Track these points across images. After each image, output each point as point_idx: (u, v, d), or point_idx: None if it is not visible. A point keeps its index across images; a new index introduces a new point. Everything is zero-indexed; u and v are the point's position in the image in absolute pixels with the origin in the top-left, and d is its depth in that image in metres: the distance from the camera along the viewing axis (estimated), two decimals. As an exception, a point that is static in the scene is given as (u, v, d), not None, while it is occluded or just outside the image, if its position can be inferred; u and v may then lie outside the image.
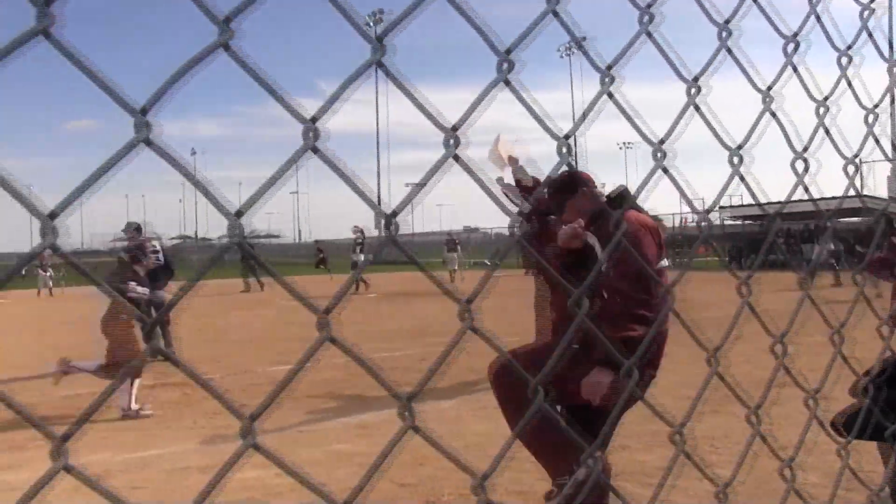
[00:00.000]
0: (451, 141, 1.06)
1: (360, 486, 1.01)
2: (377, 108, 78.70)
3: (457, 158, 1.06)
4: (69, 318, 18.93)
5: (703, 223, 1.67)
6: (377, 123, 78.00)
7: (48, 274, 30.38)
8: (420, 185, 1.03)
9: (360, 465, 5.50)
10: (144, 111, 0.86)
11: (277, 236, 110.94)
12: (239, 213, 0.91)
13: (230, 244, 0.93)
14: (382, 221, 0.96)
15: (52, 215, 0.85)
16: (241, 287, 26.77)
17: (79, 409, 7.70)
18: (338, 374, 8.84)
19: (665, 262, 3.73)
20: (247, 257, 28.59)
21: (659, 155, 1.48)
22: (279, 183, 0.97)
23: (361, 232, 23.78)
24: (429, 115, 1.05)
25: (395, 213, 0.97)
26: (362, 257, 23.12)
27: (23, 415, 0.89)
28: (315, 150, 0.94)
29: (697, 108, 1.55)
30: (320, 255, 32.93)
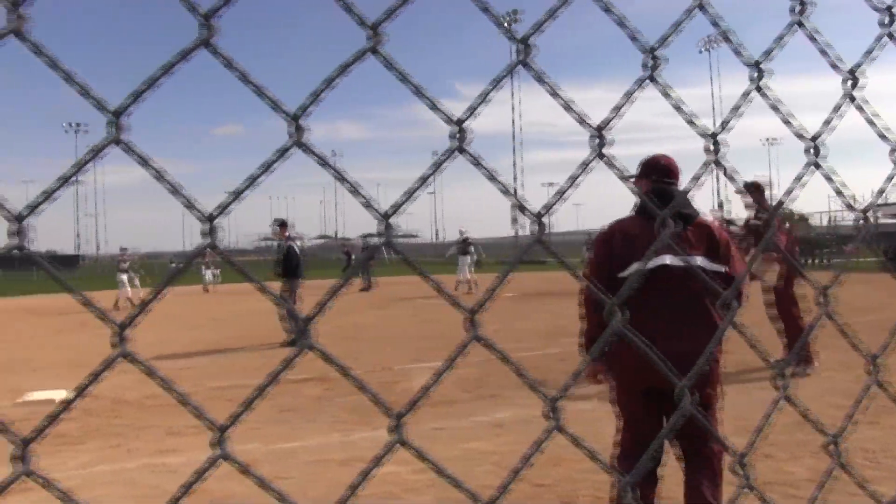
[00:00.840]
0: (598, 140, 1.05)
1: (503, 486, 1.01)
2: (514, 108, 78.68)
3: (602, 157, 1.05)
4: (218, 314, 20.12)
5: (861, 222, 1.57)
6: (514, 123, 78.05)
7: (210, 271, 32.27)
8: (567, 185, 1.02)
9: (495, 464, 5.51)
10: (117, 113, 0.88)
11: (416, 236, 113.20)
12: (387, 215, 0.94)
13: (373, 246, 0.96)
14: (529, 221, 0.96)
15: (211, 217, 0.91)
16: (361, 285, 27.35)
17: (229, 401, 8.18)
18: (472, 372, 8.90)
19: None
20: (386, 255, 29.31)
21: (812, 151, 1.41)
22: (424, 183, 1.00)
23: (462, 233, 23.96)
24: (575, 115, 1.04)
25: (540, 214, 0.98)
26: (469, 259, 23.27)
27: (187, 404, 0.95)
28: (461, 151, 0.96)
29: (854, 101, 1.46)
30: (348, 258, 32.15)
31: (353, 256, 33.42)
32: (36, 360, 12.19)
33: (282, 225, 13.71)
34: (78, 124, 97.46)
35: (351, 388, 7.98)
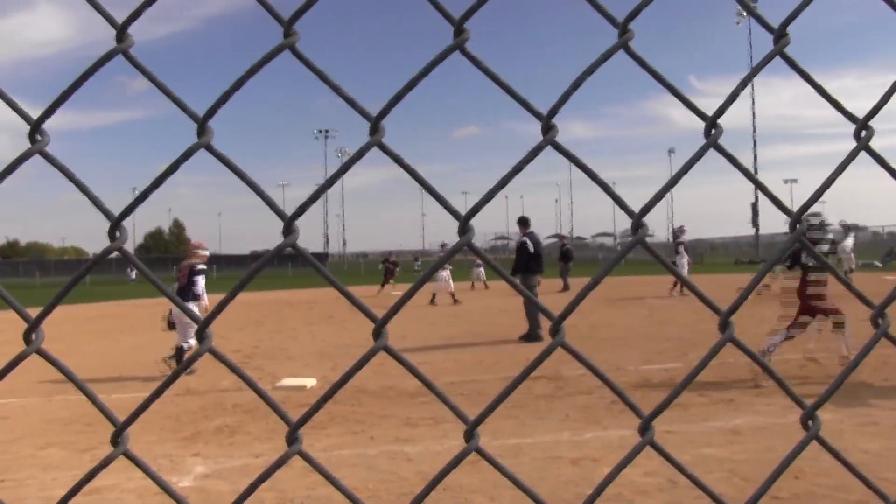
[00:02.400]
0: (863, 133, 0.97)
1: (756, 495, 0.97)
2: (753, 101, 74.05)
3: (869, 150, 0.97)
4: (454, 310, 20.93)
5: None
6: (753, 116, 73.44)
7: (481, 268, 33.47)
8: (828, 182, 0.95)
9: (729, 471, 5.26)
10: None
11: (653, 235, 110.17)
12: (642, 213, 0.93)
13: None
14: (791, 221, 0.91)
15: (467, 218, 0.96)
16: (561, 286, 26.83)
17: (462, 395, 8.49)
18: (707, 374, 8.53)
19: None
20: (567, 259, 28.72)
21: None
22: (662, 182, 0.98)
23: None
24: (837, 105, 0.97)
25: (802, 211, 0.92)
26: (685, 260, 22.05)
27: (442, 398, 1.01)
28: (717, 148, 0.93)
29: None
30: (391, 268, 29.83)
31: (398, 268, 31.69)
32: (291, 349, 13.45)
33: (522, 222, 14.02)
34: (326, 131, 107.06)
35: (582, 387, 7.98)
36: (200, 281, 11.02)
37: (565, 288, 26.59)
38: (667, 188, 0.96)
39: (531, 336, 13.11)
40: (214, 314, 0.93)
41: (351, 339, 14.64)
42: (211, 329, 0.96)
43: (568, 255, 29.13)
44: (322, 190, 0.94)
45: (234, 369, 0.98)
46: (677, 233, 22.79)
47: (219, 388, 9.38)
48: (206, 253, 11.51)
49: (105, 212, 0.97)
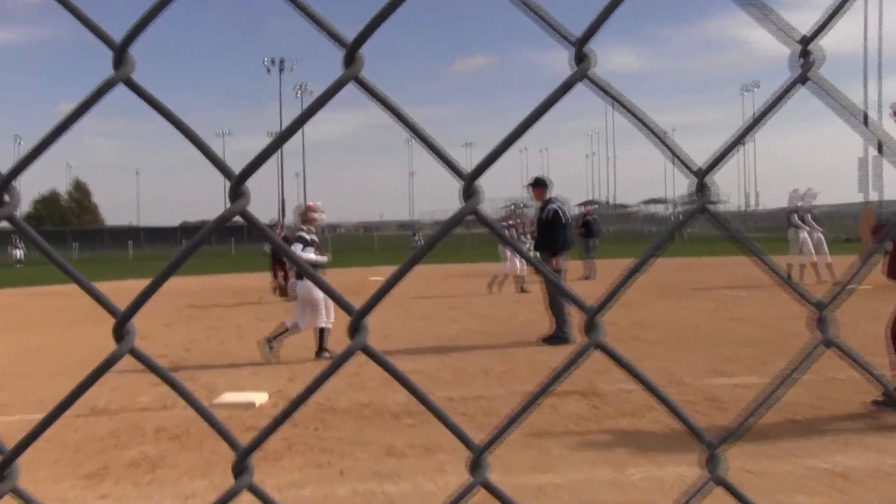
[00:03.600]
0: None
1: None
2: (865, 20, 73.73)
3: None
4: (457, 303, 20.98)
5: None
6: (864, 41, 73.17)
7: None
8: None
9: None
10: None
11: (724, 201, 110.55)
12: (700, 172, 0.94)
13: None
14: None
15: (472, 177, 0.98)
16: (582, 272, 26.80)
17: (463, 415, 8.56)
18: (802, 393, 8.57)
19: None
20: (591, 234, 28.59)
21: None
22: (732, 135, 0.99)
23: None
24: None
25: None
26: (807, 235, 22.07)
27: (432, 408, 1.03)
28: (804, 82, 0.94)
29: None
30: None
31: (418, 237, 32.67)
32: (235, 352, 13.51)
33: (538, 184, 13.99)
34: (282, 60, 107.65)
35: (625, 406, 8.05)
36: (298, 249, 12.25)
37: (589, 275, 26.47)
38: (740, 138, 0.97)
39: (557, 337, 13.18)
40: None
41: (314, 340, 14.71)
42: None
43: (592, 228, 28.80)
44: (280, 141, 0.95)
45: (164, 377, 1.00)
46: (801, 198, 22.74)
47: (135, 407, 9.44)
48: (320, 217, 12.77)
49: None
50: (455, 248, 61.27)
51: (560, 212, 13.54)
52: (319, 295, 12.55)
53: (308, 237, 12.38)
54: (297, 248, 12.30)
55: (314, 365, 11.94)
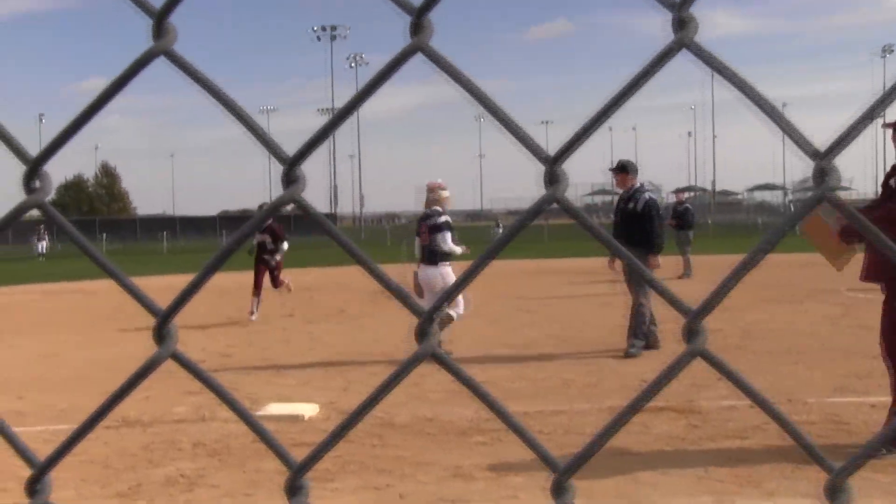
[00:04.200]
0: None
1: None
2: None
3: None
4: (537, 305, 20.92)
5: None
6: None
7: None
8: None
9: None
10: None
11: (847, 187, 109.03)
12: (829, 151, 0.93)
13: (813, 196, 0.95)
14: None
15: (555, 160, 0.98)
16: (681, 269, 26.45)
17: (539, 433, 8.56)
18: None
19: None
20: (686, 225, 28.14)
21: None
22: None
23: None
24: None
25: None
26: None
27: (510, 423, 1.04)
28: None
29: None
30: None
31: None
32: (280, 358, 13.65)
33: (623, 169, 13.77)
34: (333, 27, 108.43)
35: (728, 426, 7.99)
36: (447, 237, 13.06)
37: (685, 272, 26.22)
38: (870, 112, 0.95)
39: (638, 345, 12.98)
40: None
41: (372, 343, 14.78)
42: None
43: (686, 219, 28.45)
44: (338, 119, 0.97)
45: (209, 383, 1.02)
46: None
47: (170, 419, 9.59)
48: (448, 194, 13.40)
49: (17, 149, 1.01)
50: (531, 241, 60.98)
51: (656, 204, 13.38)
52: (452, 282, 12.84)
53: (447, 220, 13.24)
54: (447, 237, 13.10)
55: (369, 373, 12.00)
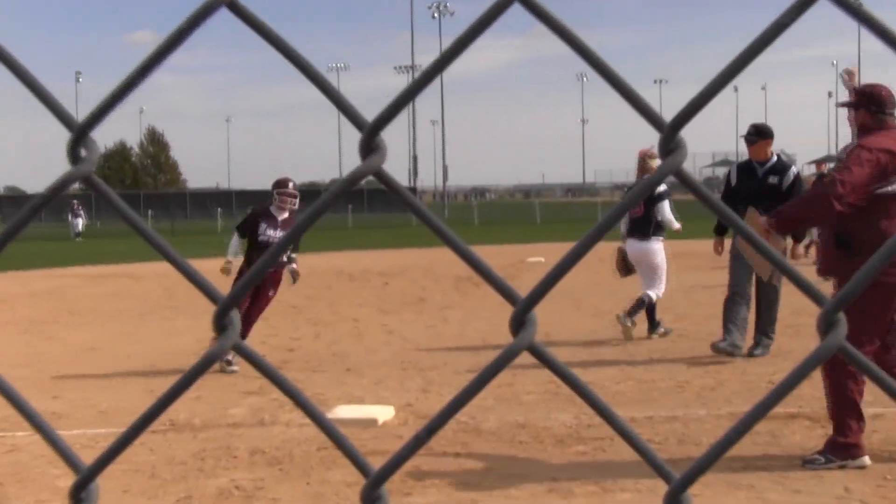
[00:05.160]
0: None
1: None
2: None
3: None
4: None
5: None
6: None
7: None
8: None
9: None
10: None
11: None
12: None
13: None
14: None
15: (675, 127, 0.98)
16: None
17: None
18: None
19: None
20: None
21: None
22: None
23: None
24: None
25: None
26: None
27: (621, 429, 1.04)
28: None
29: None
30: None
31: None
32: (351, 353, 13.74)
33: (761, 134, 13.18)
34: None
35: (878, 440, 7.85)
36: (666, 207, 13.73)
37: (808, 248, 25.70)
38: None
39: (766, 343, 12.76)
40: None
41: (457, 337, 14.80)
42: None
43: None
44: (424, 79, 0.97)
45: (274, 378, 1.04)
46: None
47: (225, 422, 9.70)
48: (657, 164, 13.52)
49: (61, 113, 1.04)
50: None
51: (800, 177, 13.00)
52: (662, 259, 14.16)
53: (667, 189, 13.94)
54: (665, 208, 13.80)
55: (452, 371, 12.00)
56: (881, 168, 7.40)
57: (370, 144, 0.97)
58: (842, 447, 7.48)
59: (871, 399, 8.21)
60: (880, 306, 7.40)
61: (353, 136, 0.99)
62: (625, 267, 14.49)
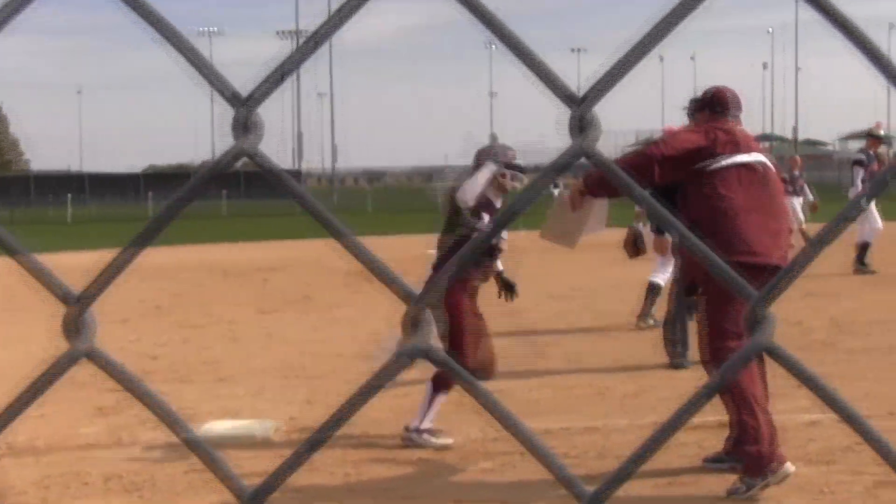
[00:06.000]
0: None
1: None
2: None
3: None
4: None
5: None
6: None
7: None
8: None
9: None
10: None
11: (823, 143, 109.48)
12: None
13: None
14: None
15: (584, 100, 1.00)
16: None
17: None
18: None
19: None
20: None
21: None
22: None
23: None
24: None
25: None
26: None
27: (529, 443, 1.06)
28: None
29: None
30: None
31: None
32: (225, 359, 13.65)
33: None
34: None
35: (815, 451, 7.99)
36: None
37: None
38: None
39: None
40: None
41: (347, 341, 14.75)
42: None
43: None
44: (308, 49, 0.98)
45: (134, 389, 1.04)
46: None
47: (74, 443, 9.51)
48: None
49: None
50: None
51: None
52: None
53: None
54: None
55: (342, 380, 11.93)
56: (698, 147, 8.02)
57: (245, 122, 0.97)
58: (756, 462, 7.58)
59: (809, 405, 8.37)
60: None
61: (227, 113, 0.99)
62: (634, 248, 15.03)
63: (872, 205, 20.86)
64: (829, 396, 1.03)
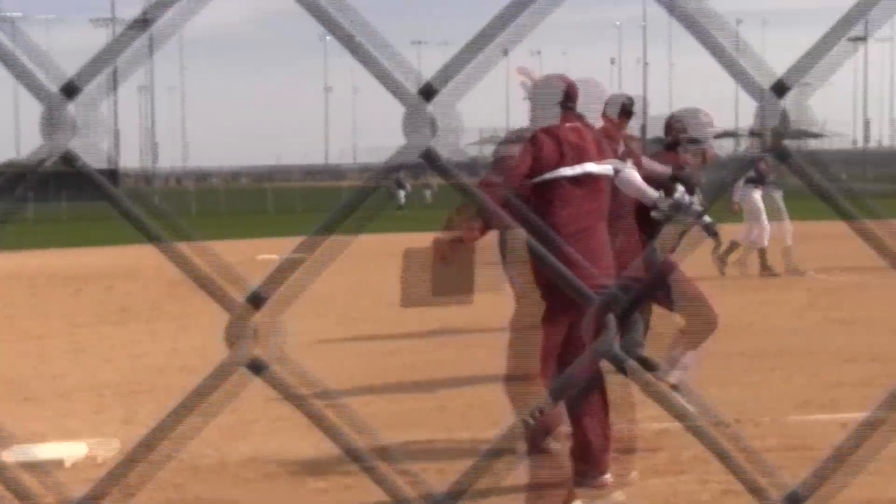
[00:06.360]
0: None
1: None
2: None
3: None
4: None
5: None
6: None
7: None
8: None
9: None
10: None
11: (828, 133, 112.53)
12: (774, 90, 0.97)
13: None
14: None
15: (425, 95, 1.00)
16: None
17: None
18: None
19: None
20: None
21: None
22: None
23: None
24: None
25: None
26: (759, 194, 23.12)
27: (374, 472, 1.06)
28: None
29: None
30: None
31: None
32: (32, 379, 13.41)
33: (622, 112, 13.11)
34: None
35: (663, 461, 8.08)
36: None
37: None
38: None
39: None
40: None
41: (168, 355, 14.62)
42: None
43: None
44: (127, 38, 0.97)
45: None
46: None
47: None
48: None
49: None
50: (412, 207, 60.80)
51: None
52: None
53: None
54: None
55: (163, 398, 11.76)
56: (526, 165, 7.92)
57: (57, 117, 0.95)
58: (581, 471, 7.69)
59: (656, 413, 8.51)
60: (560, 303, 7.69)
61: (35, 108, 0.97)
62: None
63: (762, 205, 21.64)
64: (667, 401, 1.05)
